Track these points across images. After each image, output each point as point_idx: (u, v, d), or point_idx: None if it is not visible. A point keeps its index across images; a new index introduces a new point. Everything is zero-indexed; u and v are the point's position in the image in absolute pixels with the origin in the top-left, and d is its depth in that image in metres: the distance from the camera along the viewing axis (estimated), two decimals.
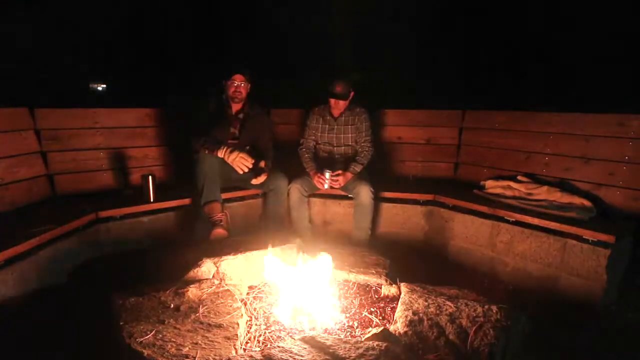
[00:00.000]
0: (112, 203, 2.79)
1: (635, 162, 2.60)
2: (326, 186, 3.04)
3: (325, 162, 3.22)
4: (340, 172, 3.05)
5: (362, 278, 2.08)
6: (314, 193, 3.19)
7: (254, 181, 2.93)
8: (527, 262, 2.63)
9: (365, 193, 2.96)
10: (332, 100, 3.13)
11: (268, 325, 1.74)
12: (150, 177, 2.80)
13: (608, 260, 2.29)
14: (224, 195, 2.94)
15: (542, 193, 2.76)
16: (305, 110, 3.42)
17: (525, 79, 5.58)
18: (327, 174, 3.02)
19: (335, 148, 3.26)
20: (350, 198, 3.10)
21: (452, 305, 1.69)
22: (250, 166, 2.84)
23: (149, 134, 3.33)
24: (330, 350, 1.36)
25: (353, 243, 2.93)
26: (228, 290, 1.87)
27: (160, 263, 2.25)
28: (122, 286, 1.86)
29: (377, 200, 3.10)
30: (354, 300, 1.94)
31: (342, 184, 3.05)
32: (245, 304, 1.89)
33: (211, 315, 1.66)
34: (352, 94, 3.15)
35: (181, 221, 2.97)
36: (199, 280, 1.93)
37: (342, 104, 3.14)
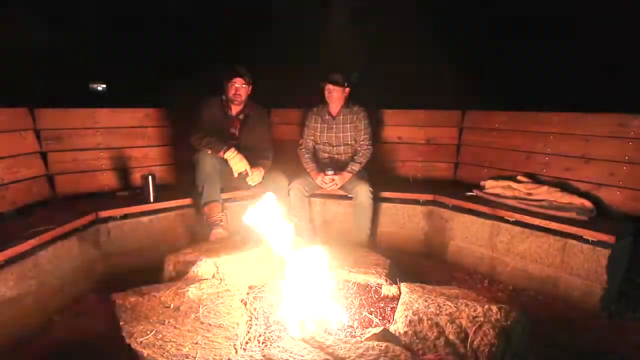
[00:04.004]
0: (112, 203, 2.79)
1: (635, 162, 2.59)
2: (327, 185, 3.05)
3: (326, 162, 3.22)
4: (333, 173, 3.06)
5: (362, 278, 2.08)
6: (314, 193, 3.19)
7: (250, 181, 2.92)
8: (527, 262, 2.63)
9: (363, 193, 2.96)
10: (327, 90, 3.12)
11: (268, 325, 1.74)
12: (150, 177, 2.80)
13: (608, 260, 2.28)
14: (224, 195, 2.94)
15: (542, 193, 2.76)
16: (305, 110, 3.43)
17: (525, 79, 5.58)
18: (330, 173, 3.04)
19: (335, 148, 3.27)
20: (350, 198, 3.11)
21: (452, 305, 1.69)
22: (249, 174, 2.87)
23: (149, 134, 3.33)
24: (330, 350, 1.36)
25: (353, 243, 2.93)
26: (228, 290, 1.88)
27: (161, 263, 2.26)
28: (122, 286, 1.87)
29: (377, 200, 3.10)
30: (354, 300, 1.94)
31: (339, 184, 3.06)
32: (245, 304, 1.89)
33: (211, 315, 1.66)
34: (348, 89, 3.15)
35: (181, 221, 2.97)
36: (199, 280, 1.93)
37: (336, 94, 3.12)
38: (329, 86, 3.10)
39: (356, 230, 3.05)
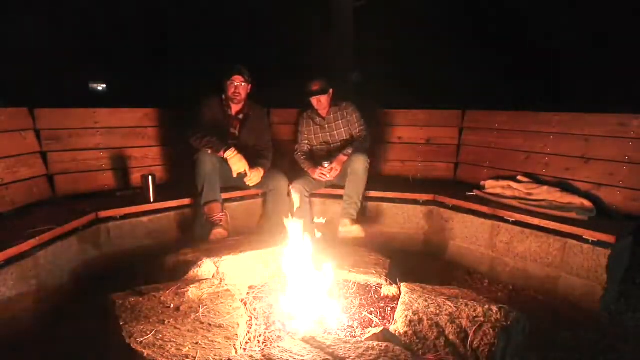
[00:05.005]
0: (112, 203, 2.79)
1: (636, 162, 2.59)
2: (328, 176, 3.05)
3: (326, 161, 3.22)
4: (330, 163, 3.06)
5: (362, 278, 2.08)
6: (315, 193, 3.19)
7: (248, 181, 2.92)
8: (527, 262, 2.63)
9: (359, 160, 2.94)
10: (314, 100, 3.16)
11: (268, 325, 1.74)
12: (150, 177, 2.80)
13: (608, 260, 2.28)
14: (224, 195, 2.94)
15: (542, 193, 2.76)
16: (298, 112, 3.44)
17: (526, 79, 5.58)
18: (326, 165, 3.05)
19: (332, 146, 3.29)
20: None
21: (452, 305, 1.69)
22: (248, 174, 2.88)
23: (149, 134, 3.33)
24: (330, 350, 1.36)
25: (341, 215, 2.91)
26: (228, 290, 1.87)
27: (160, 263, 2.25)
28: (122, 286, 1.87)
29: (378, 201, 3.10)
30: (354, 300, 1.94)
31: (338, 170, 3.04)
32: (245, 304, 1.89)
33: (211, 315, 1.66)
34: (331, 90, 3.18)
35: (181, 221, 2.97)
36: (199, 280, 1.93)
37: (324, 100, 3.16)
38: (317, 97, 3.13)
39: (345, 204, 2.98)
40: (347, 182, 3.00)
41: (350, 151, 3.08)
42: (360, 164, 2.95)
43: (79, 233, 2.52)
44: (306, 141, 3.33)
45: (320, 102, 3.16)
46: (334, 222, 3.29)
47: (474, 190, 3.05)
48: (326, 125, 3.26)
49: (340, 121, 3.25)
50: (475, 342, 1.49)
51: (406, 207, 3.20)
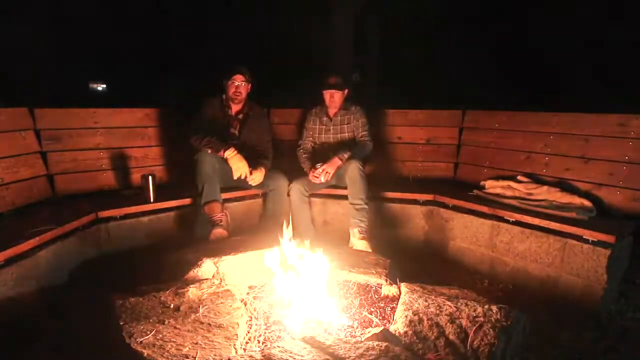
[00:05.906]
0: (112, 203, 2.78)
1: (636, 162, 2.59)
2: (322, 179, 2.99)
3: (320, 163, 3.20)
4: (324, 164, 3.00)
5: (362, 278, 2.08)
6: (314, 193, 3.19)
7: (250, 181, 2.92)
8: (527, 262, 2.63)
9: (351, 167, 2.91)
10: (327, 94, 3.13)
11: (268, 325, 1.74)
12: (150, 177, 2.80)
13: (608, 260, 2.28)
14: (224, 195, 2.94)
15: (542, 193, 2.76)
16: (303, 111, 3.43)
17: (524, 79, 5.58)
18: (318, 166, 3.01)
19: (332, 147, 3.26)
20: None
21: (452, 305, 1.69)
22: (249, 175, 2.87)
23: (149, 134, 3.33)
24: (330, 350, 1.36)
25: (351, 227, 2.86)
26: (228, 290, 1.87)
27: (160, 263, 2.25)
28: (122, 286, 1.87)
29: (378, 201, 3.10)
30: (354, 300, 1.94)
31: (331, 172, 2.98)
32: (245, 304, 1.89)
33: (211, 315, 1.66)
34: (347, 90, 3.16)
35: (181, 221, 2.97)
36: (199, 280, 1.93)
37: (337, 97, 3.13)
38: (331, 91, 3.11)
39: (353, 208, 2.91)
40: (348, 189, 2.98)
41: (346, 156, 3.02)
42: (354, 171, 2.91)
43: (79, 233, 2.52)
44: (310, 138, 3.31)
45: (333, 98, 3.13)
46: (334, 223, 3.30)
47: (474, 190, 3.05)
48: (331, 127, 3.25)
49: (346, 125, 3.23)
50: (475, 342, 1.49)
51: (406, 207, 3.20)
